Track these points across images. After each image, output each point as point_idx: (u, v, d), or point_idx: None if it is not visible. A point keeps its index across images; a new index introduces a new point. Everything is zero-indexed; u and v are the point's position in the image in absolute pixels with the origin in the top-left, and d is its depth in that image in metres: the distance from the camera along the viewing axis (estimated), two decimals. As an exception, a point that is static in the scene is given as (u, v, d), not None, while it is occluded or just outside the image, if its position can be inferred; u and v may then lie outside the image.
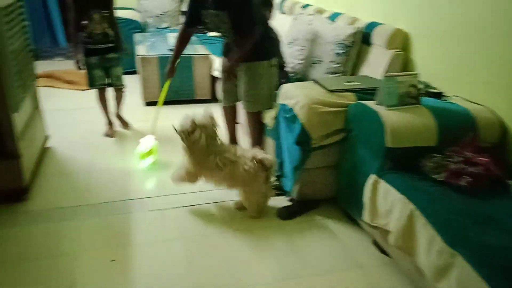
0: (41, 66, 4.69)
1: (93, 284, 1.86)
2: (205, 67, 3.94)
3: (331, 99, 2.21)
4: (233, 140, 3.01)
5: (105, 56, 3.08)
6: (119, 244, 2.12)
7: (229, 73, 2.62)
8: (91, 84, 3.15)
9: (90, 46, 2.99)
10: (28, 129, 2.50)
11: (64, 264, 1.96)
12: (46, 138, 2.99)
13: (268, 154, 2.35)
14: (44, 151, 2.90)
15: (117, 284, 1.87)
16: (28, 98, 2.59)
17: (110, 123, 3.40)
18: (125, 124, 3.52)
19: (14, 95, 2.21)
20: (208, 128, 2.25)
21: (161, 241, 2.15)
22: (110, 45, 3.07)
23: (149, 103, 3.95)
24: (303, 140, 2.21)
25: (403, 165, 1.96)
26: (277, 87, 2.52)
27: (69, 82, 4.33)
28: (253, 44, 2.48)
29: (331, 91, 2.25)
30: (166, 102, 3.94)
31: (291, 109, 2.25)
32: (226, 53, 2.75)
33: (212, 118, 2.29)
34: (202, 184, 2.66)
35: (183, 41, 2.79)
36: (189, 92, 3.99)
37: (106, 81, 3.19)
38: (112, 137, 3.30)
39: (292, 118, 2.25)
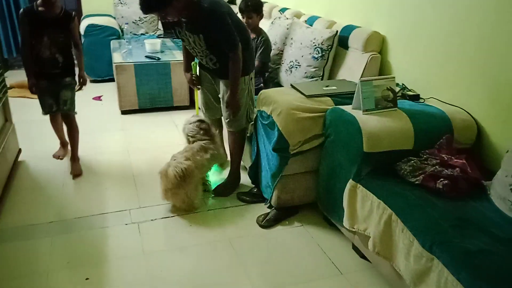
0: (14, 76, 4.58)
1: (67, 302, 1.80)
2: (183, 73, 3.88)
3: (309, 105, 2.19)
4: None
5: (54, 81, 2.71)
6: (94, 261, 2.05)
7: (234, 109, 2.44)
8: (42, 110, 2.81)
9: (37, 69, 2.65)
10: (-2, 143, 2.42)
11: (37, 284, 1.89)
12: (19, 152, 2.90)
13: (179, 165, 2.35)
14: (16, 165, 2.81)
15: (92, 302, 1.81)
16: (-2, 111, 2.52)
17: (63, 144, 3.11)
18: (76, 170, 2.85)
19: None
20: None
21: (137, 255, 2.09)
22: (58, 70, 2.68)
23: (125, 112, 3.89)
24: (281, 146, 2.18)
25: (381, 169, 1.94)
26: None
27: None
28: (239, 67, 2.32)
29: (309, 96, 2.23)
30: (144, 110, 3.91)
31: (269, 116, 2.22)
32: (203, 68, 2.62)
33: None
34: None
35: (188, 54, 2.66)
36: (167, 99, 3.93)
37: (56, 107, 2.79)
38: (60, 158, 3.02)
39: (270, 125, 2.22)
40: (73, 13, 2.61)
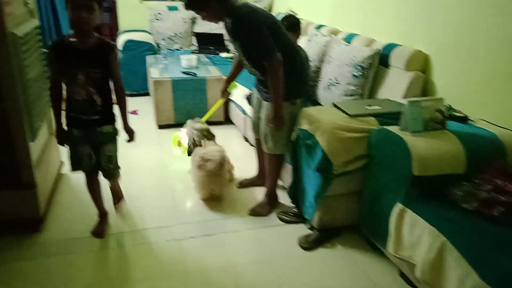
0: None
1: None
2: (218, 89, 3.90)
3: (353, 124, 2.15)
4: (261, 173, 2.89)
5: (91, 130, 2.14)
6: (137, 277, 2.05)
7: (277, 124, 2.36)
8: (73, 165, 2.20)
9: (71, 113, 2.11)
10: (43, 157, 2.47)
11: (81, 299, 1.90)
12: (61, 164, 2.96)
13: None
14: (59, 178, 2.86)
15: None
16: (44, 124, 2.57)
17: (102, 216, 2.45)
18: (118, 204, 2.58)
19: (32, 123, 2.18)
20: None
21: (179, 274, 2.08)
22: (96, 116, 2.12)
23: (162, 126, 3.93)
24: (325, 167, 2.15)
25: (430, 193, 1.89)
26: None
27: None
28: (278, 76, 2.22)
29: (353, 116, 2.20)
30: (180, 125, 3.93)
31: (311, 135, 2.20)
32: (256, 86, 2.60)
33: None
34: (218, 211, 2.62)
35: (237, 65, 2.67)
36: (203, 114, 3.93)
37: (95, 160, 2.23)
38: (101, 236, 2.35)
39: (313, 144, 2.19)
40: (112, 43, 2.10)
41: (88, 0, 1.90)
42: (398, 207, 1.90)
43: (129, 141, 2.32)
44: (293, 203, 2.59)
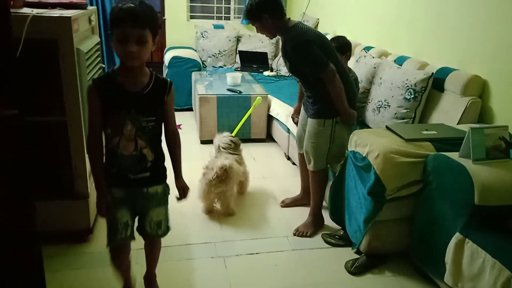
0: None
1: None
2: (262, 106, 3.93)
3: (408, 149, 2.10)
4: (307, 189, 2.83)
5: (137, 190, 1.72)
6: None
7: (350, 120, 2.46)
8: (111, 237, 1.75)
9: (113, 170, 1.68)
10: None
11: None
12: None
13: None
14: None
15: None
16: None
17: None
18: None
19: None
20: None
21: (226, 291, 2.07)
22: (146, 174, 1.70)
23: (205, 141, 3.97)
24: (377, 191, 2.10)
25: (491, 224, 1.81)
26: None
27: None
28: (336, 85, 2.30)
29: (408, 140, 2.14)
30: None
31: (364, 158, 2.16)
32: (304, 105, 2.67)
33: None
34: (262, 230, 2.60)
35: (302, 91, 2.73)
36: (245, 132, 3.98)
37: (131, 230, 1.77)
38: None
39: (366, 167, 2.15)
40: (169, 80, 1.68)
41: (141, 28, 1.47)
42: (457, 237, 1.82)
43: (180, 199, 1.87)
44: (336, 222, 2.54)
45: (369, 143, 2.17)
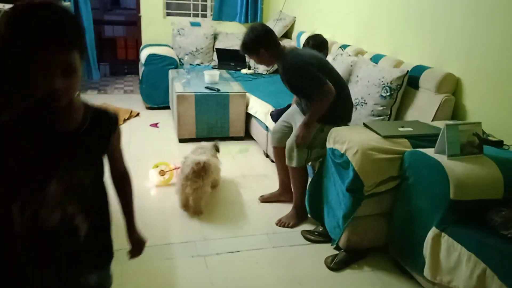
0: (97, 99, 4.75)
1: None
2: (240, 104, 3.93)
3: (386, 145, 2.13)
4: (286, 185, 2.88)
5: (63, 278, 1.15)
6: (164, 292, 2.03)
7: (299, 140, 2.50)
8: None
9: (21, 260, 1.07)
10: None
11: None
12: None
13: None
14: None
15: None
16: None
17: None
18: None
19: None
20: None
21: (207, 290, 2.06)
22: (75, 256, 1.15)
23: (183, 140, 3.93)
24: (356, 187, 2.13)
25: (467, 218, 1.86)
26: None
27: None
28: (324, 105, 2.39)
29: (385, 137, 2.18)
30: (201, 139, 3.95)
31: (343, 155, 2.18)
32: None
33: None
34: (241, 228, 2.60)
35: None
36: (224, 130, 3.96)
37: None
38: None
39: (344, 164, 2.18)
40: (113, 114, 1.18)
41: (64, 53, 0.94)
42: (433, 231, 1.87)
43: (132, 257, 1.36)
44: (315, 219, 2.56)
45: (347, 140, 2.19)
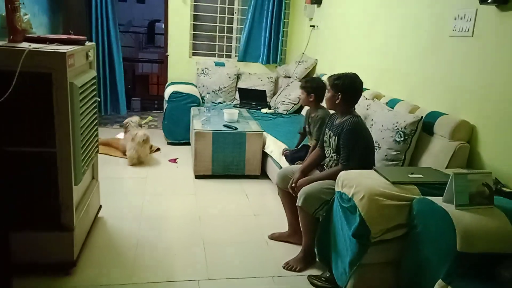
0: (100, 133, 4.91)
1: None
2: (257, 143, 3.97)
3: (394, 192, 2.10)
4: (294, 227, 2.85)
5: None
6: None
7: (297, 188, 2.61)
8: None
9: None
10: (83, 200, 2.54)
11: None
12: (99, 208, 3.03)
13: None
14: (95, 221, 2.92)
15: None
16: (89, 169, 2.67)
17: None
18: None
19: (78, 168, 2.27)
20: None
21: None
22: None
23: (199, 176, 3.98)
24: (362, 233, 2.08)
25: (475, 272, 1.78)
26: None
27: (124, 152, 4.46)
28: (335, 175, 2.37)
29: (394, 183, 2.15)
30: (216, 176, 3.99)
31: (350, 199, 2.16)
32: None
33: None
34: (248, 268, 2.57)
35: (315, 158, 2.81)
36: (239, 168, 3.99)
37: None
38: None
39: (351, 208, 2.15)
40: None
41: None
42: (439, 284, 1.80)
43: None
44: (323, 264, 2.50)
45: (355, 184, 2.17)
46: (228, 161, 3.96)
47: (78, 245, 2.41)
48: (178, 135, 4.89)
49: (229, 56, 5.99)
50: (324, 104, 2.89)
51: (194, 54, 5.77)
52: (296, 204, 2.55)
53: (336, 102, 2.57)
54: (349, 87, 2.55)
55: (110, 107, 5.56)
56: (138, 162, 4.22)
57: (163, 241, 2.84)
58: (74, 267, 2.37)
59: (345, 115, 2.57)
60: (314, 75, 5.01)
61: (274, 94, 5.40)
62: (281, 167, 3.51)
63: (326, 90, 2.72)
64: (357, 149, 2.49)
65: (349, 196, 2.17)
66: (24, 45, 2.11)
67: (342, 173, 2.32)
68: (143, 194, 3.56)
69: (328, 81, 2.63)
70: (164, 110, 5.09)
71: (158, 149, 4.73)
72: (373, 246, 2.10)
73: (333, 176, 2.40)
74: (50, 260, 2.31)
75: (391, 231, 2.10)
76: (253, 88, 5.30)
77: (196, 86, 5.34)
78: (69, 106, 2.13)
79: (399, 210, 2.07)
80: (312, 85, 3.13)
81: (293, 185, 2.66)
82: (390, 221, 2.08)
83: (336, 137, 2.56)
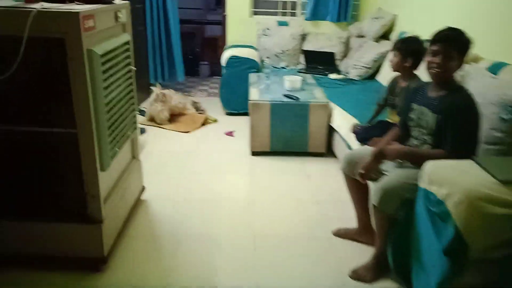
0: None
1: None
2: (322, 116, 3.44)
3: (505, 195, 1.53)
4: (364, 224, 2.38)
5: None
6: None
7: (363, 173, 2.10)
8: None
9: None
10: (118, 185, 2.23)
11: None
12: (142, 190, 2.73)
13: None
14: (137, 205, 2.63)
15: None
16: (124, 149, 2.35)
17: None
18: None
19: (105, 152, 1.94)
20: None
21: None
22: None
23: (256, 153, 3.56)
24: (456, 248, 1.55)
25: None
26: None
27: (175, 121, 4.21)
28: (430, 159, 1.83)
29: (505, 182, 1.56)
30: (275, 153, 3.55)
31: (441, 202, 1.62)
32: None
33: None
34: (307, 267, 2.15)
35: (394, 140, 2.25)
36: (302, 144, 3.51)
37: None
38: None
39: (442, 215, 1.61)
40: None
41: None
42: None
43: None
44: (399, 278, 2.00)
45: (448, 182, 1.62)
46: (288, 136, 3.49)
47: (109, 238, 2.11)
48: (236, 105, 4.48)
49: (294, 15, 5.38)
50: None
51: (255, 13, 5.25)
52: (372, 203, 2.03)
53: (449, 66, 1.92)
54: (467, 47, 1.92)
55: (167, 74, 5.26)
56: (151, 120, 4.17)
57: (209, 231, 2.48)
58: (105, 264, 2.09)
59: (447, 86, 1.97)
60: (393, 34, 4.28)
61: (345, 56, 4.75)
62: (349, 146, 2.98)
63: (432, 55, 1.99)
64: (475, 135, 1.91)
65: (440, 198, 1.63)
66: (38, 6, 1.76)
67: (430, 164, 1.76)
68: (193, 172, 3.23)
69: (442, 42, 1.96)
70: (221, 77, 4.69)
71: (215, 120, 4.37)
72: (471, 266, 1.57)
73: (424, 161, 1.81)
74: (78, 254, 2.05)
75: (498, 248, 1.55)
76: (320, 50, 4.69)
77: (256, 50, 4.85)
78: (88, 79, 1.77)
79: (510, 221, 1.51)
80: (411, 46, 2.46)
81: (363, 171, 2.13)
82: (497, 235, 1.54)
83: (438, 115, 1.95)
